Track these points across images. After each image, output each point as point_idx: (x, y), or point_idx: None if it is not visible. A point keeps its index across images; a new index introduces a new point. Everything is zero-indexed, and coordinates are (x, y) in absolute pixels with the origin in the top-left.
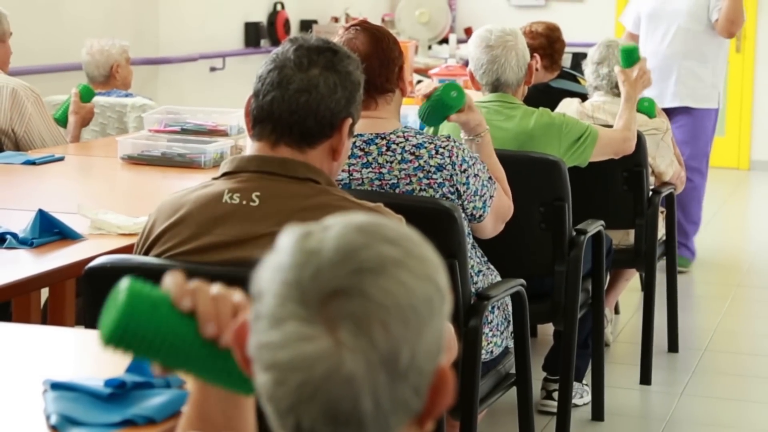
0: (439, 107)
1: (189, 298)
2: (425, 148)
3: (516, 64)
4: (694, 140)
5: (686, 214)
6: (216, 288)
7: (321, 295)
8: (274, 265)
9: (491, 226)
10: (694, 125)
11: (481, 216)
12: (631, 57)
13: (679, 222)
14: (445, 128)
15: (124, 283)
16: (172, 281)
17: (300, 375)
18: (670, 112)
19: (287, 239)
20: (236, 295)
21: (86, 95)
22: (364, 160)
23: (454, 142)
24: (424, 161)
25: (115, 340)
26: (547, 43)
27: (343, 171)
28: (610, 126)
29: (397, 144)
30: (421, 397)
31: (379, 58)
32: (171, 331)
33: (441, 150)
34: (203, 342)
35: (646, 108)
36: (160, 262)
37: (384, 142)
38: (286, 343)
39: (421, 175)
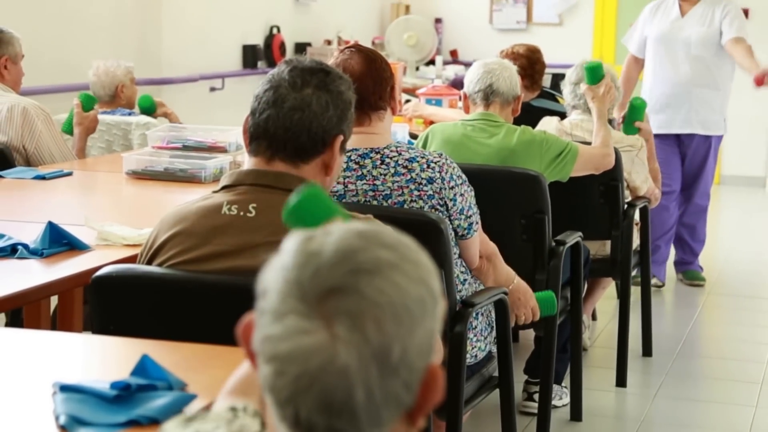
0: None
1: None
2: (417, 162)
3: (509, 78)
4: (708, 168)
5: (694, 234)
6: None
7: (319, 293)
8: (278, 265)
9: (472, 250)
10: (706, 153)
11: (464, 236)
12: (596, 74)
13: (688, 243)
14: (434, 145)
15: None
16: None
17: (298, 366)
18: (680, 139)
19: (291, 242)
20: None
21: (87, 104)
22: (359, 173)
23: (446, 159)
24: (416, 174)
25: (292, 214)
26: (527, 63)
27: (338, 183)
28: (588, 143)
29: (391, 158)
30: (411, 392)
31: (372, 77)
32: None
33: (432, 165)
34: None
35: (640, 104)
36: (163, 271)
37: (378, 156)
38: (287, 336)
39: (413, 187)
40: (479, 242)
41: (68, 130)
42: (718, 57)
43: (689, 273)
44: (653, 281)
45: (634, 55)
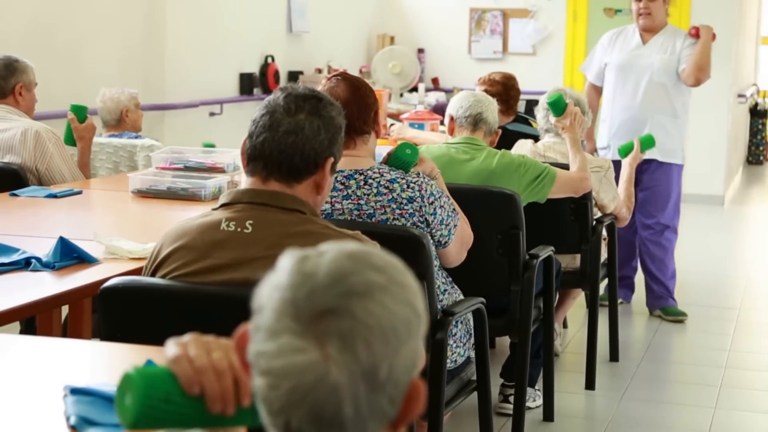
0: (399, 164)
1: (197, 386)
2: (398, 182)
3: (494, 112)
4: (666, 199)
5: (665, 270)
6: (213, 351)
7: (313, 313)
8: (274, 284)
9: (455, 251)
10: (666, 183)
11: (446, 243)
12: (558, 107)
13: (660, 279)
14: None
15: (137, 376)
16: (178, 366)
17: (291, 382)
18: (638, 169)
19: (287, 261)
20: (232, 355)
21: (80, 114)
22: (345, 193)
23: (423, 178)
24: (397, 194)
25: (136, 426)
26: (503, 89)
27: (326, 202)
28: (560, 163)
29: (374, 179)
30: (396, 405)
31: (357, 103)
32: (183, 414)
33: (412, 185)
34: (212, 415)
35: (648, 140)
36: (166, 283)
37: (362, 177)
38: (280, 353)
39: (395, 206)
40: (459, 236)
41: (70, 141)
42: (677, 85)
43: (669, 309)
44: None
45: (592, 83)
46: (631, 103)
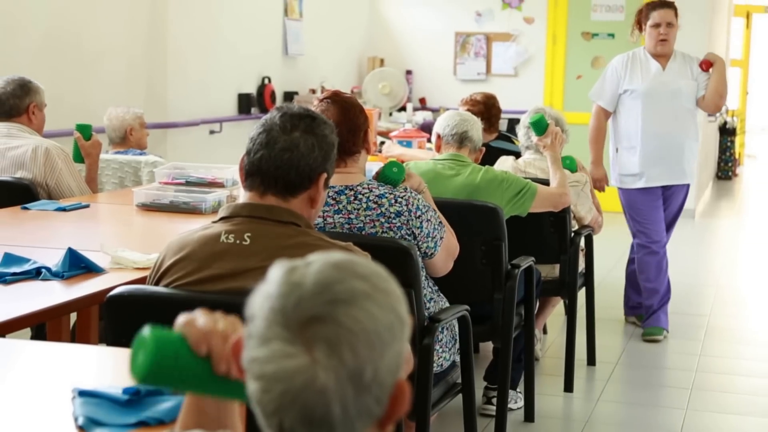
0: (387, 181)
1: (204, 345)
2: (386, 197)
3: (479, 131)
4: (676, 216)
5: (659, 284)
6: (219, 321)
7: (301, 321)
8: (264, 294)
9: (442, 262)
10: (682, 202)
11: (432, 254)
12: (540, 126)
13: (652, 290)
14: None
15: (150, 336)
16: (188, 328)
17: (282, 385)
18: (664, 189)
19: (276, 272)
20: (237, 327)
21: (85, 132)
22: (336, 208)
23: (411, 193)
24: (386, 209)
25: (146, 380)
26: (485, 108)
27: (318, 217)
28: (541, 179)
29: (363, 194)
30: (382, 405)
31: (347, 125)
32: (190, 372)
33: (399, 199)
34: (215, 375)
35: (568, 165)
36: (169, 292)
37: (352, 192)
38: (272, 359)
39: (383, 220)
40: (446, 246)
41: (78, 159)
42: (696, 109)
43: (643, 317)
44: (663, 334)
45: (604, 108)
46: (663, 129)
